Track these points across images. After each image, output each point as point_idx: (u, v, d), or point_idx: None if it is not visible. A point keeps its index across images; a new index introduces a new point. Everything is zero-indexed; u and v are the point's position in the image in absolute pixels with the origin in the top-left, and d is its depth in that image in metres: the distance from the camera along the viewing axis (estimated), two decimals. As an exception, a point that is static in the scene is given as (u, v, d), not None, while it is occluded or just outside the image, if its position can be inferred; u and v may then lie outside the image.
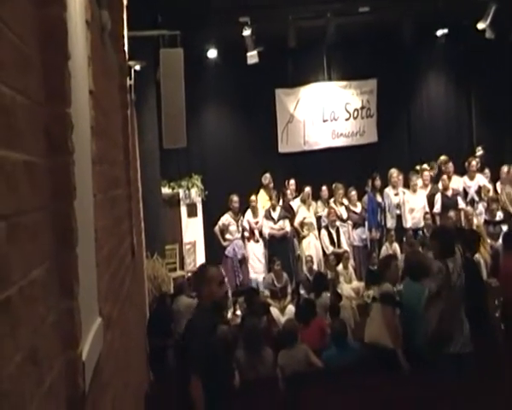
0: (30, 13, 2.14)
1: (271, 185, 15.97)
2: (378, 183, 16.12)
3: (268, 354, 8.83)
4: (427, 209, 15.61)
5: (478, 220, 15.27)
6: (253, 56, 15.22)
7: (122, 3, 7.85)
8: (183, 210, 16.17)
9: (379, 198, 15.97)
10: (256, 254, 15.33)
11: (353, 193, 15.98)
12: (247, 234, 15.36)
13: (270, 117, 17.65)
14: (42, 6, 2.26)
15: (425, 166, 16.27)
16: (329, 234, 15.36)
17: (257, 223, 15.32)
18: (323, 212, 15.81)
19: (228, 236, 15.15)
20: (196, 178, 16.34)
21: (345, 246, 15.35)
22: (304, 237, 15.31)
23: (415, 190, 15.79)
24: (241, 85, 17.27)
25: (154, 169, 13.90)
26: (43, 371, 2.02)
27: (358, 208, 15.93)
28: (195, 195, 16.26)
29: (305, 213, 15.52)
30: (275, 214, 15.30)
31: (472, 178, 16.14)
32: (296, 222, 15.40)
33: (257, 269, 15.25)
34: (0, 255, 1.60)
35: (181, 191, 16.11)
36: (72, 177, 2.45)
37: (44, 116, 2.25)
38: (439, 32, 17.17)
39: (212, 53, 16.49)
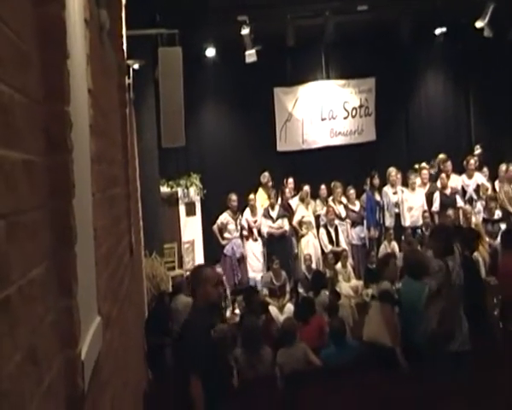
0: (28, 11, 2.14)
1: (270, 184, 15.97)
2: (377, 181, 16.13)
3: (267, 352, 8.83)
4: (426, 208, 15.62)
5: (476, 219, 15.28)
6: (251, 55, 15.21)
7: (120, 2, 7.85)
8: (182, 209, 16.15)
9: (377, 197, 15.99)
10: (254, 252, 15.34)
11: (352, 192, 15.97)
12: (245, 233, 15.37)
13: (268, 116, 17.65)
14: (40, 4, 2.26)
15: (424, 164, 16.26)
16: (328, 233, 15.37)
17: (255, 222, 15.32)
18: (322, 210, 15.81)
19: (226, 234, 15.15)
20: (195, 176, 16.32)
21: (343, 245, 15.35)
22: (302, 235, 15.31)
23: (413, 189, 15.80)
24: (240, 84, 17.27)
25: (153, 168, 13.89)
26: (42, 371, 2.01)
27: (357, 207, 15.93)
28: (194, 193, 16.23)
29: (303, 211, 15.52)
30: (273, 213, 15.31)
31: (470, 176, 16.14)
32: (295, 221, 15.39)
33: (255, 268, 15.26)
34: (-1, 254, 1.60)
35: (179, 190, 16.08)
36: (70, 175, 2.44)
37: (43, 114, 2.25)
38: (438, 31, 17.17)
39: (211, 52, 16.48)
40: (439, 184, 15.85)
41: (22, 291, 1.79)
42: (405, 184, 16.04)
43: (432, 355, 7.72)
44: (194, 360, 5.50)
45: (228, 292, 14.02)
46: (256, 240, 15.38)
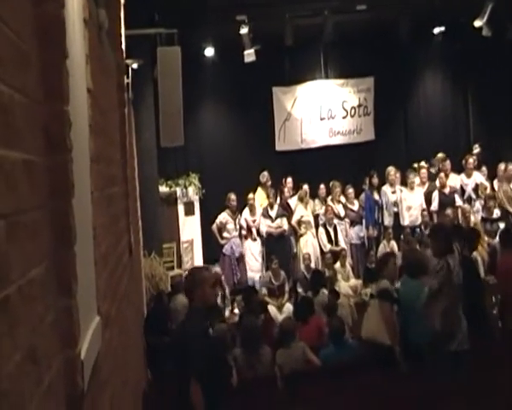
0: (28, 10, 2.14)
1: (269, 183, 15.97)
2: (375, 181, 16.14)
3: (266, 352, 8.82)
4: (425, 207, 15.64)
5: (475, 218, 15.29)
6: (250, 54, 15.21)
7: (119, 2, 7.85)
8: (181, 208, 16.15)
9: (376, 196, 15.99)
10: (253, 252, 15.34)
11: (350, 191, 15.97)
12: (244, 232, 15.37)
13: (267, 115, 17.65)
14: (39, 4, 2.26)
15: (422, 163, 16.27)
16: (327, 232, 15.37)
17: (254, 221, 15.32)
18: (321, 210, 15.81)
19: (225, 234, 15.14)
20: (194, 176, 16.31)
21: (342, 244, 15.35)
22: (301, 235, 15.31)
23: (412, 188, 15.80)
24: (239, 84, 17.27)
25: (152, 167, 13.89)
26: (42, 370, 2.01)
27: (356, 206, 15.93)
28: (193, 193, 16.23)
29: (302, 211, 15.52)
30: (272, 213, 15.31)
31: (469, 175, 16.15)
32: (294, 220, 15.39)
33: (253, 267, 15.25)
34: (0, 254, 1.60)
35: (178, 190, 16.08)
36: (70, 175, 2.44)
37: (43, 114, 2.25)
38: (436, 30, 17.17)
39: (210, 51, 16.47)
40: (437, 183, 15.86)
41: (22, 291, 1.80)
42: (404, 183, 16.05)
43: (432, 355, 7.73)
44: (194, 366, 5.50)
45: (227, 292, 14.01)
46: (255, 239, 15.38)
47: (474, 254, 11.18)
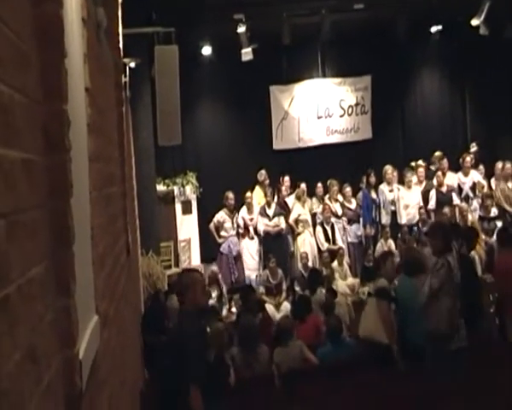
0: (27, 10, 2.14)
1: (267, 182, 15.99)
2: (373, 179, 16.16)
3: (264, 351, 8.83)
4: (422, 204, 15.66)
5: (472, 216, 15.31)
6: (247, 53, 15.22)
7: (117, 1, 7.85)
8: (178, 207, 16.16)
9: (373, 195, 16.00)
10: (250, 251, 15.33)
11: (348, 189, 15.98)
12: (241, 231, 15.36)
13: (264, 114, 17.66)
14: (39, 4, 2.26)
15: (420, 162, 16.29)
16: (324, 231, 15.37)
17: (252, 219, 15.32)
18: (318, 208, 15.82)
19: (223, 233, 15.15)
20: (191, 175, 16.33)
21: (340, 243, 15.35)
22: (299, 233, 15.32)
23: (409, 187, 15.82)
24: (236, 82, 17.27)
25: (149, 166, 13.89)
26: (41, 370, 2.01)
27: (353, 205, 15.94)
28: (190, 192, 16.25)
29: (299, 209, 15.52)
30: (270, 211, 15.31)
31: (466, 174, 16.18)
32: (291, 219, 15.40)
33: (250, 266, 15.25)
34: (-1, 253, 1.60)
35: (176, 188, 16.10)
36: (69, 174, 2.44)
37: (42, 114, 2.25)
38: (434, 29, 17.20)
39: (207, 50, 16.47)
40: (435, 181, 15.87)
41: (21, 290, 1.80)
42: (401, 181, 16.07)
43: (431, 354, 7.74)
44: (193, 371, 5.49)
45: (224, 290, 14.02)
46: (252, 238, 15.37)
47: (472, 252, 11.20)
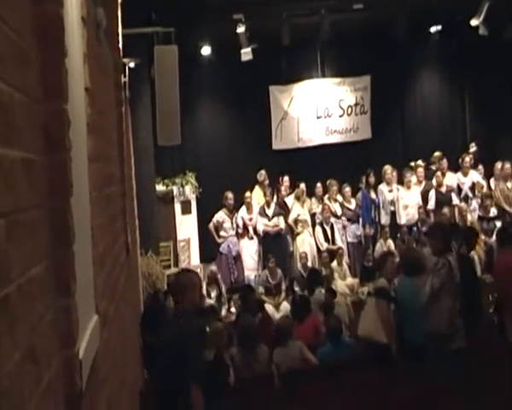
0: (27, 9, 2.14)
1: (267, 182, 15.99)
2: (372, 179, 16.16)
3: (263, 351, 8.83)
4: (421, 204, 15.67)
5: (472, 217, 15.31)
6: (247, 53, 15.21)
7: (116, 1, 7.84)
8: (177, 207, 16.16)
9: (373, 195, 16.01)
10: (249, 251, 15.33)
11: (347, 189, 15.99)
12: (240, 231, 15.36)
13: (264, 114, 17.66)
14: (39, 3, 2.26)
15: (419, 162, 16.29)
16: (324, 231, 15.37)
17: (251, 219, 15.31)
18: (318, 208, 15.82)
19: (222, 233, 15.15)
20: (190, 175, 16.33)
21: (339, 243, 15.35)
22: (298, 233, 15.32)
23: (409, 187, 15.82)
24: (235, 82, 17.27)
25: (149, 166, 13.88)
26: (41, 369, 2.01)
27: (352, 205, 15.95)
28: (189, 192, 16.24)
29: (299, 209, 15.53)
30: (269, 211, 15.30)
31: (466, 174, 16.19)
32: (290, 219, 15.40)
33: (249, 266, 15.25)
34: (-1, 253, 1.60)
35: (175, 188, 16.10)
36: (69, 174, 2.44)
37: (42, 113, 2.25)
38: (433, 29, 17.21)
39: (206, 50, 16.48)
40: (434, 182, 15.87)
41: (22, 290, 1.80)
42: (401, 182, 16.08)
43: (431, 354, 7.75)
44: (194, 371, 5.49)
45: (223, 290, 14.01)
46: (251, 238, 15.37)
47: (471, 252, 11.20)
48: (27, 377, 1.83)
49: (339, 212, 15.77)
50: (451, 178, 16.14)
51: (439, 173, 15.87)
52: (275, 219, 15.26)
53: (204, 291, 13.58)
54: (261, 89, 17.50)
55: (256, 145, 17.54)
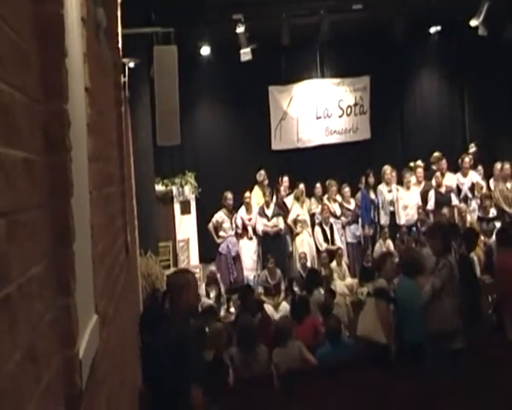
0: (27, 9, 2.14)
1: (266, 182, 16.01)
2: (371, 180, 16.18)
3: (262, 351, 8.84)
4: (421, 204, 15.67)
5: (471, 217, 15.33)
6: (246, 54, 15.22)
7: (116, 1, 7.84)
8: (177, 207, 16.17)
9: (372, 195, 16.02)
10: (248, 251, 15.34)
11: (347, 190, 16.01)
12: (239, 231, 15.36)
13: (263, 114, 17.67)
14: (39, 2, 2.26)
15: (419, 162, 16.29)
16: (323, 231, 15.38)
17: (250, 219, 15.32)
18: (317, 209, 15.82)
19: (222, 233, 15.16)
20: (190, 175, 16.33)
21: (338, 243, 15.36)
22: (297, 234, 15.33)
23: (408, 187, 15.83)
24: (235, 82, 17.29)
25: (148, 166, 13.88)
26: (41, 369, 2.01)
27: (352, 205, 15.96)
28: (189, 192, 16.25)
29: (298, 210, 15.53)
30: (268, 211, 15.31)
31: (465, 174, 16.19)
32: (290, 219, 15.41)
33: (248, 266, 15.25)
34: (0, 253, 1.60)
35: (174, 188, 16.11)
36: (69, 174, 2.44)
37: (42, 113, 2.24)
38: (432, 29, 17.22)
39: (206, 50, 16.48)
40: (433, 182, 15.88)
41: (22, 289, 1.80)
42: (400, 182, 16.09)
43: (431, 354, 7.75)
44: (195, 371, 5.49)
45: (222, 290, 14.02)
46: (251, 238, 15.38)
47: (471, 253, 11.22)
48: (27, 377, 1.83)
49: (338, 212, 15.79)
50: (451, 179, 16.14)
51: (438, 174, 15.88)
52: (274, 219, 15.27)
53: (203, 291, 13.61)
54: (260, 89, 17.51)
55: (255, 145, 17.56)
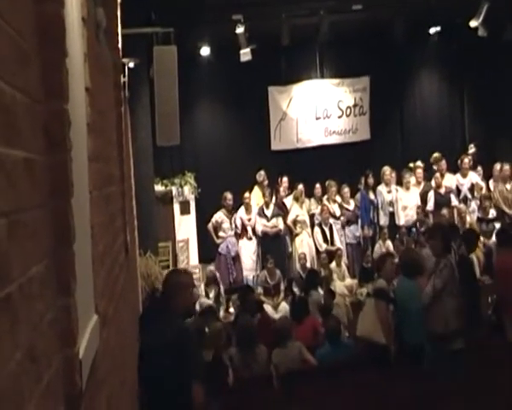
0: (28, 8, 2.14)
1: (266, 183, 16.00)
2: (371, 180, 16.17)
3: (262, 351, 8.84)
4: (420, 204, 15.67)
5: (471, 218, 15.32)
6: (246, 54, 15.22)
7: (116, 1, 7.83)
8: (176, 207, 16.17)
9: (372, 196, 16.02)
10: (247, 251, 15.33)
11: (346, 190, 16.01)
12: (239, 231, 15.36)
13: (262, 114, 17.68)
14: (40, 2, 2.26)
15: (418, 163, 16.29)
16: (322, 231, 15.38)
17: (249, 220, 15.32)
18: (316, 209, 15.82)
19: (221, 233, 15.16)
20: (189, 175, 16.33)
21: (338, 243, 15.36)
22: (297, 234, 15.33)
23: (408, 188, 15.83)
24: (234, 83, 17.30)
25: (148, 166, 13.87)
26: (41, 369, 2.01)
27: (351, 206, 15.96)
28: (188, 192, 16.24)
29: (297, 210, 15.53)
30: (268, 212, 15.31)
31: (465, 175, 16.19)
32: (289, 220, 15.41)
33: (248, 267, 15.25)
34: (0, 252, 1.60)
35: (174, 189, 16.10)
36: (69, 174, 2.44)
37: (43, 113, 2.24)
38: (432, 30, 17.23)
39: (206, 50, 16.49)
40: (433, 183, 15.88)
41: (23, 289, 1.80)
42: (400, 183, 16.09)
43: (432, 355, 7.76)
44: (195, 369, 5.49)
45: (222, 291, 14.01)
46: (250, 239, 15.38)
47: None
48: (27, 376, 1.83)
49: (338, 213, 15.79)
50: (450, 180, 16.14)
51: (437, 175, 15.89)
52: (274, 219, 15.27)
53: (202, 292, 13.62)
54: (260, 89, 17.52)
55: (255, 146, 17.57)
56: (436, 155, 16.47)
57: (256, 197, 15.85)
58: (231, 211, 15.36)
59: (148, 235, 13.10)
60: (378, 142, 18.27)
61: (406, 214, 15.60)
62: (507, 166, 15.87)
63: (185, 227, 16.10)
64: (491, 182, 16.20)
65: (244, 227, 15.33)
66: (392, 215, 15.71)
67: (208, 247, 15.62)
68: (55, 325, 2.26)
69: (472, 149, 17.13)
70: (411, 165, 16.46)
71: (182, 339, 5.66)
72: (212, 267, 14.43)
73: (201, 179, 16.45)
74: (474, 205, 15.87)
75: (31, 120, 2.05)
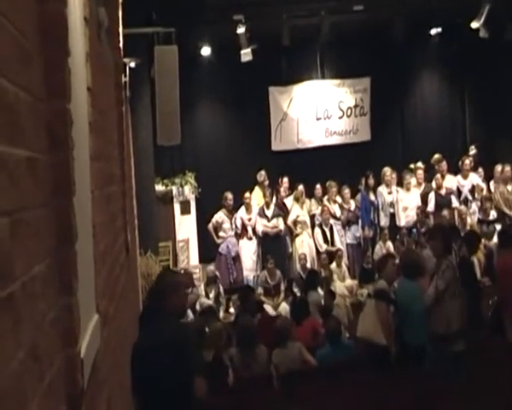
0: (31, 8, 2.14)
1: (266, 183, 15.99)
2: (371, 181, 16.16)
3: (262, 351, 8.83)
4: (420, 205, 15.66)
5: (471, 219, 15.31)
6: (246, 54, 15.21)
7: (117, 1, 7.84)
8: (177, 207, 16.16)
9: (372, 197, 16.01)
10: (248, 251, 15.33)
11: (347, 191, 15.99)
12: (239, 231, 15.36)
13: (263, 115, 17.65)
14: (43, 2, 2.26)
15: (419, 164, 16.28)
16: (323, 232, 15.37)
17: (250, 219, 15.31)
18: (317, 210, 15.81)
19: (221, 233, 15.16)
20: (190, 175, 16.32)
21: (338, 244, 15.35)
22: (297, 235, 15.32)
23: (408, 189, 15.82)
24: (235, 83, 17.28)
25: (148, 166, 13.88)
26: (43, 368, 2.01)
27: (352, 206, 15.94)
28: (189, 192, 16.23)
29: (298, 211, 15.52)
30: (268, 212, 15.30)
31: (465, 177, 16.17)
32: (289, 220, 15.40)
33: (248, 267, 15.25)
34: (3, 251, 1.60)
35: (174, 188, 16.09)
36: (71, 173, 2.44)
37: (46, 112, 2.25)
38: (433, 31, 17.18)
39: (206, 50, 16.46)
40: (434, 184, 15.87)
41: (25, 288, 1.80)
42: (400, 184, 16.07)
43: (433, 355, 7.76)
44: (198, 365, 5.50)
45: (222, 291, 14.01)
46: (250, 239, 15.37)
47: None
48: (30, 375, 1.83)
49: (338, 213, 15.78)
50: (451, 181, 16.13)
51: (438, 176, 15.87)
52: (274, 220, 15.26)
53: (202, 292, 13.62)
54: (261, 90, 17.51)
55: (255, 146, 17.55)
56: (437, 156, 16.46)
57: (256, 197, 15.84)
58: (232, 211, 15.35)
59: (148, 235, 13.10)
60: (379, 142, 18.26)
61: (407, 215, 15.58)
62: (508, 168, 15.84)
63: (185, 227, 16.10)
64: (491, 183, 16.17)
65: (244, 227, 15.32)
66: (392, 216, 15.70)
67: (208, 247, 15.62)
68: (57, 324, 2.26)
69: (473, 151, 17.11)
70: (412, 166, 16.44)
71: (181, 337, 5.66)
72: (212, 267, 14.42)
73: (202, 179, 16.43)
74: (474, 206, 15.85)
75: (34, 119, 2.05)
